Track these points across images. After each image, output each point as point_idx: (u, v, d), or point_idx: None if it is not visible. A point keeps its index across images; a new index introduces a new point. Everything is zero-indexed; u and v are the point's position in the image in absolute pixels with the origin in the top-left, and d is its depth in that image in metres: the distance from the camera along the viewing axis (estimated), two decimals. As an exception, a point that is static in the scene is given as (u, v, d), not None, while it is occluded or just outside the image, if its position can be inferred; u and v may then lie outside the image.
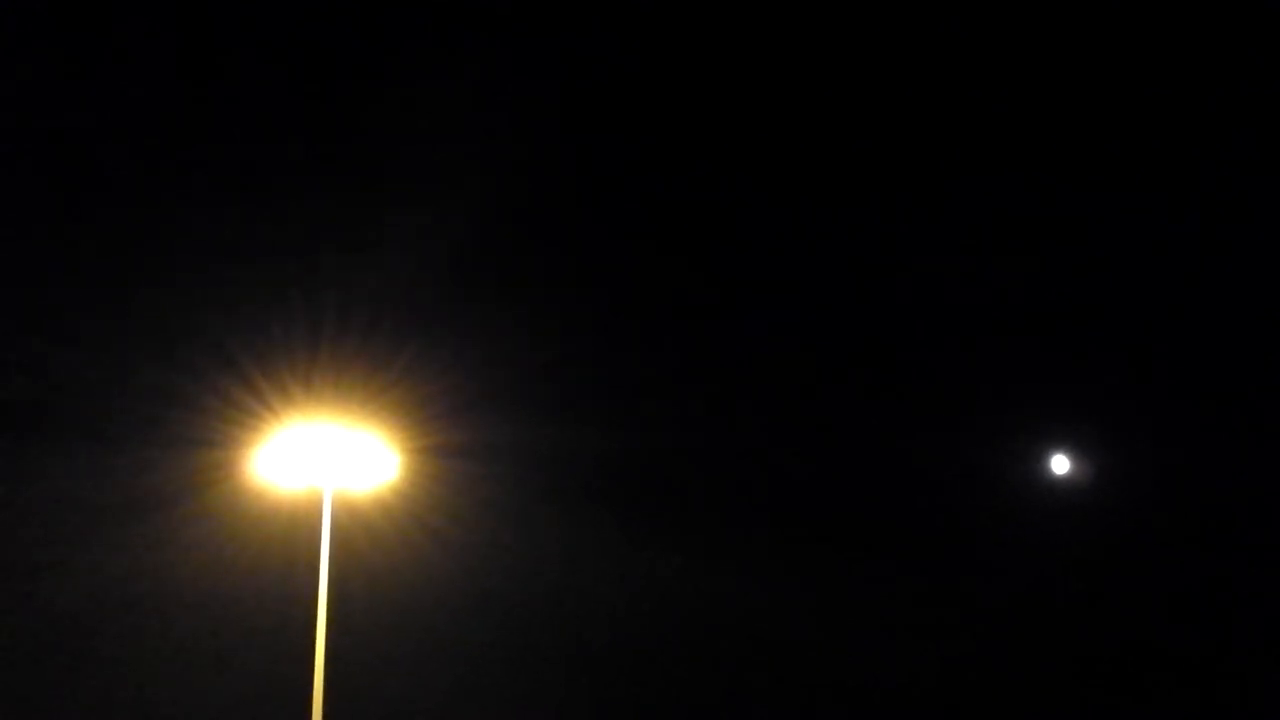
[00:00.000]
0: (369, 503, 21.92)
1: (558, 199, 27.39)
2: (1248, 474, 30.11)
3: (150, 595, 23.74)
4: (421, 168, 25.19)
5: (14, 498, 22.92)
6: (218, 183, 24.07)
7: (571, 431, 26.33)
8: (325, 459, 20.70)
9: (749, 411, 29.56)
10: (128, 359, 23.39)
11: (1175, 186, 29.74)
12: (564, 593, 26.83)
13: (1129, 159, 29.53)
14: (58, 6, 22.93)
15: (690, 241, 28.88)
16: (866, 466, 29.92)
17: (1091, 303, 30.97)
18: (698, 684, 27.81)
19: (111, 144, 23.54)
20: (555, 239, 27.70)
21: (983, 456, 30.72)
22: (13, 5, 22.60)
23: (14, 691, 23.01)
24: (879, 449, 29.80)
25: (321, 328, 22.75)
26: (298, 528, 21.47)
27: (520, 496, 26.18)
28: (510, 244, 26.76)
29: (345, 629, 21.24)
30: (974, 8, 27.53)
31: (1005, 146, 29.65)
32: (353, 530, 21.82)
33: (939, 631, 29.06)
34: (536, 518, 26.47)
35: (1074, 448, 30.88)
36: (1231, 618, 29.83)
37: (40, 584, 23.26)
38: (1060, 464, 30.89)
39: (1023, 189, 29.97)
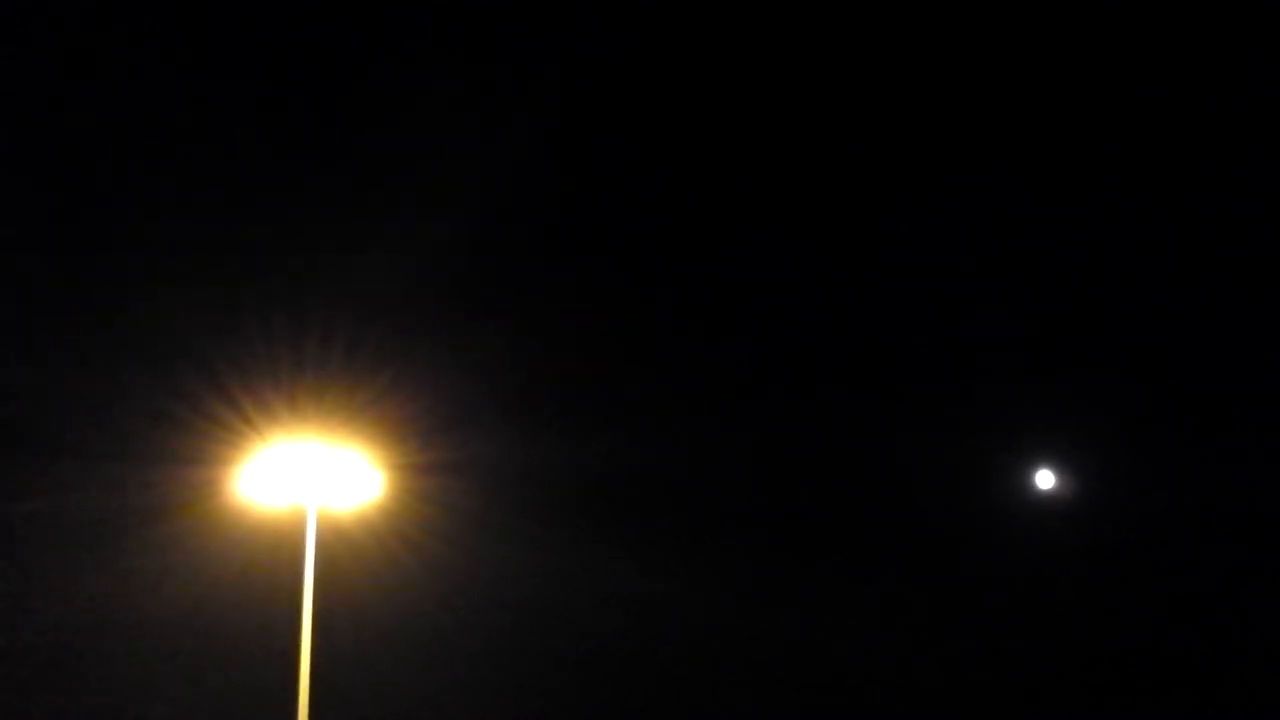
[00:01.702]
0: (353, 520, 21.90)
1: (541, 218, 27.53)
2: (1232, 489, 30.23)
3: (134, 612, 23.76)
4: (403, 188, 25.34)
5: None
6: (203, 201, 24.18)
7: (557, 446, 26.45)
8: (309, 477, 20.63)
9: (736, 425, 29.67)
10: (112, 378, 23.47)
11: (1160, 206, 29.98)
12: (550, 606, 26.86)
13: (1108, 185, 29.78)
14: (52, 9, 23.02)
15: (676, 257, 29.03)
16: (853, 479, 30.00)
17: (1077, 321, 31.21)
18: (683, 695, 27.86)
19: (96, 163, 23.67)
20: (538, 258, 27.83)
21: (968, 471, 30.83)
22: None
23: (2, 705, 23.04)
24: (867, 463, 29.89)
25: (305, 346, 22.87)
26: (282, 546, 21.46)
27: (505, 512, 26.24)
28: (493, 263, 26.90)
29: (329, 646, 21.23)
30: (975, 13, 27.69)
31: (987, 172, 29.88)
32: (337, 548, 21.78)
33: (926, 644, 29.10)
34: (522, 533, 26.50)
35: (1058, 463, 31.01)
36: (1217, 630, 29.89)
37: (25, 600, 23.32)
38: (1045, 479, 31.02)
39: (1007, 211, 30.22)
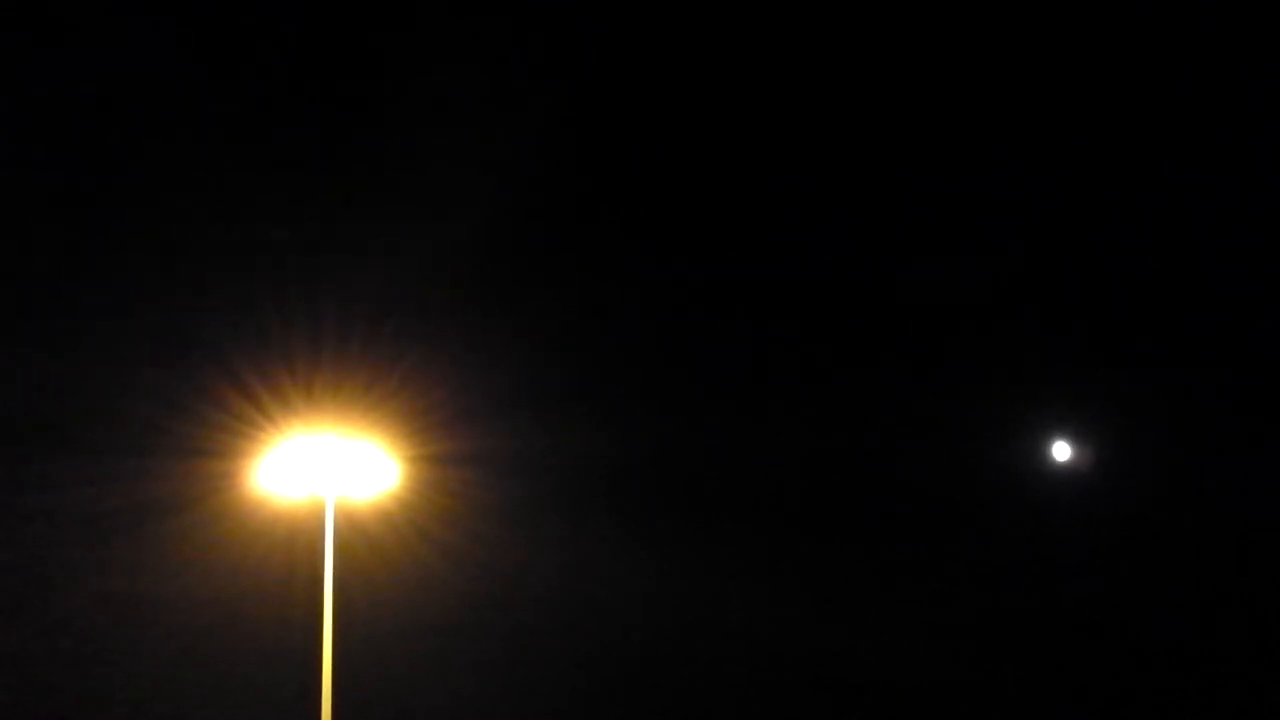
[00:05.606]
0: (370, 511, 21.89)
1: (558, 205, 27.31)
2: (1252, 461, 30.08)
3: (152, 605, 23.79)
4: (420, 175, 25.07)
5: (15, 506, 22.89)
6: (217, 188, 23.95)
7: (574, 437, 26.36)
8: (326, 468, 20.58)
9: (750, 411, 29.55)
10: (128, 368, 23.34)
11: (1175, 175, 29.69)
12: (569, 599, 26.88)
13: (1129, 148, 29.44)
14: (51, 6, 22.68)
15: (688, 243, 28.85)
16: (868, 458, 29.89)
17: (1093, 288, 30.98)
18: (705, 688, 27.93)
19: (108, 148, 23.41)
20: (556, 245, 27.67)
21: (983, 444, 30.72)
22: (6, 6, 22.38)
23: (16, 698, 23.10)
24: (881, 441, 29.77)
25: (322, 336, 22.73)
26: (299, 537, 21.45)
27: (523, 503, 26.23)
28: (511, 250, 26.71)
29: (347, 637, 21.16)
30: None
31: (1005, 133, 29.52)
32: (354, 539, 21.79)
33: (943, 625, 29.10)
34: (540, 524, 26.53)
35: (1075, 434, 30.85)
36: (1235, 607, 29.86)
37: (42, 593, 23.33)
38: (1061, 451, 30.87)
39: (1023, 175, 29.91)
